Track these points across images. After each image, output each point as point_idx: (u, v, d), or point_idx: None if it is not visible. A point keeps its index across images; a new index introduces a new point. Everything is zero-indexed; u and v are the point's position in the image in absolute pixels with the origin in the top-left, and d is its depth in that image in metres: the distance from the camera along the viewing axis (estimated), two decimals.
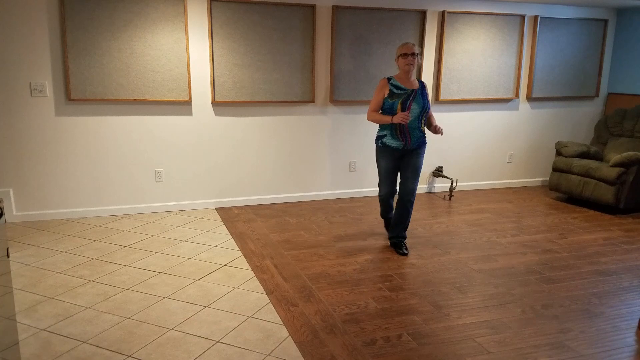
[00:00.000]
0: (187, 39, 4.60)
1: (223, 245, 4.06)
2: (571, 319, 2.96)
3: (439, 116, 5.65)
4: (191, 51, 4.69)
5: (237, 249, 3.99)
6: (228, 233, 4.35)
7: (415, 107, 3.75)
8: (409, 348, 2.63)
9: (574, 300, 3.19)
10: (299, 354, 2.55)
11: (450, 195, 5.60)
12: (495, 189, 6.10)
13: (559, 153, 5.67)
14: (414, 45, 3.75)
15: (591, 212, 5.18)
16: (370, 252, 3.97)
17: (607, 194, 5.04)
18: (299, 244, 4.11)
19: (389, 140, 3.83)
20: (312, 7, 4.90)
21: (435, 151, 5.74)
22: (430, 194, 5.80)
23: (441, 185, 5.91)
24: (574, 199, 5.65)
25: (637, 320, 2.94)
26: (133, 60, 4.51)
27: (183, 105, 4.78)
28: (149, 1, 4.45)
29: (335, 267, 3.66)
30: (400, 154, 3.87)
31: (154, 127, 4.75)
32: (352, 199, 5.46)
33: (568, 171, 5.43)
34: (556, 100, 6.13)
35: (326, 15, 5.01)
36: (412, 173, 3.86)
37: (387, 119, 3.74)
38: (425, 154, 3.99)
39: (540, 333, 2.79)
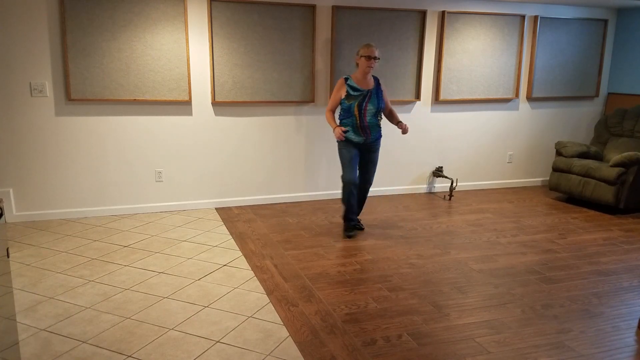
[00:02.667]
0: (187, 39, 4.60)
1: (223, 245, 4.06)
2: (571, 319, 2.96)
3: (439, 116, 5.66)
4: (191, 51, 4.69)
5: (237, 249, 3.99)
6: (228, 233, 4.35)
7: (370, 107, 4.07)
8: (409, 348, 2.63)
9: (574, 300, 3.19)
10: (299, 354, 2.55)
11: (450, 195, 5.60)
12: (495, 189, 6.10)
13: (559, 153, 5.67)
14: (376, 48, 4.03)
15: (591, 212, 5.18)
16: (370, 252, 3.97)
17: (607, 194, 5.04)
18: (299, 244, 4.11)
19: (351, 135, 4.10)
20: (312, 7, 4.90)
21: (435, 151, 5.74)
22: (430, 194, 5.80)
23: (441, 185, 5.91)
24: (574, 199, 5.65)
25: (637, 320, 2.94)
26: (133, 60, 4.51)
27: (183, 105, 4.78)
28: (149, 1, 4.45)
29: (335, 267, 3.66)
30: (360, 147, 4.18)
31: (154, 127, 4.75)
32: None
33: (568, 171, 5.43)
34: (556, 100, 6.13)
35: (326, 15, 5.01)
36: (372, 167, 4.29)
37: (332, 126, 4.11)
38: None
39: (540, 333, 2.79)
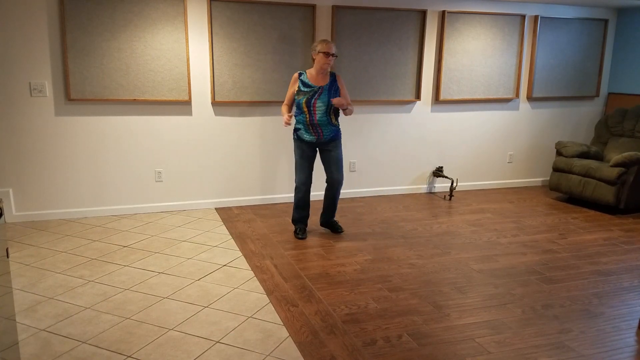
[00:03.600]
0: (187, 39, 4.59)
1: (223, 246, 4.05)
2: (571, 319, 2.95)
3: (439, 116, 5.65)
4: (191, 51, 4.68)
5: (237, 249, 3.99)
6: (228, 233, 4.34)
7: (320, 105, 3.96)
8: (409, 348, 2.62)
9: (574, 301, 3.19)
10: (299, 354, 2.55)
11: (451, 195, 5.60)
12: (496, 189, 6.10)
13: (559, 153, 5.66)
14: (334, 45, 3.94)
15: (591, 212, 5.18)
16: (370, 252, 3.96)
17: (607, 194, 5.04)
18: (299, 244, 4.11)
19: (302, 134, 4.05)
20: (312, 7, 4.90)
21: (435, 151, 5.74)
22: (430, 194, 5.80)
23: (441, 185, 5.90)
24: (574, 199, 5.65)
25: (637, 321, 2.94)
26: (133, 60, 4.51)
27: (183, 105, 4.78)
28: (149, 1, 4.45)
29: (335, 267, 3.66)
30: (315, 147, 4.11)
31: (154, 127, 4.74)
32: (352, 199, 5.46)
33: (568, 171, 5.42)
34: (556, 100, 6.13)
35: (326, 15, 5.00)
36: (334, 165, 4.11)
37: (284, 118, 3.96)
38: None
39: (540, 333, 2.79)
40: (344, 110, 3.99)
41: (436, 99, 5.56)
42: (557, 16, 5.81)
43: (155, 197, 4.88)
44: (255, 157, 5.12)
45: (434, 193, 5.83)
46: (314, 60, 3.98)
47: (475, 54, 5.56)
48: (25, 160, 4.45)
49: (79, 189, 4.65)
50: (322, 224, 4.43)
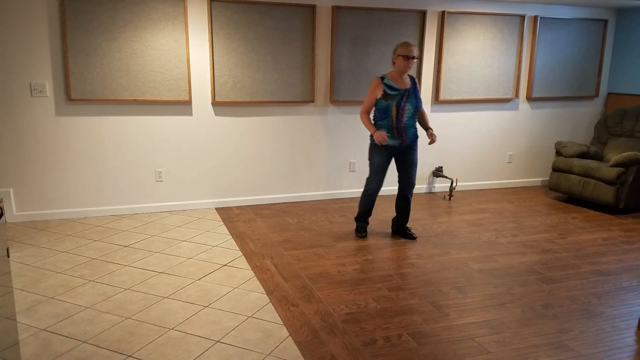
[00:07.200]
0: (187, 39, 4.60)
1: (223, 245, 4.06)
2: (571, 318, 2.96)
3: (439, 116, 5.66)
4: (191, 51, 4.69)
5: (237, 249, 4.00)
6: (228, 233, 4.35)
7: (409, 107, 3.93)
8: (409, 348, 2.63)
9: (573, 300, 3.19)
10: (299, 353, 2.56)
11: (450, 195, 5.61)
12: (495, 189, 6.10)
13: (558, 153, 5.67)
14: (415, 47, 3.89)
15: (591, 212, 5.19)
16: (370, 252, 3.97)
17: (606, 194, 5.05)
18: (299, 244, 4.11)
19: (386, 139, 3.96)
20: (312, 7, 4.90)
21: (435, 151, 5.74)
22: (430, 193, 5.80)
23: (441, 185, 5.91)
24: (573, 199, 5.65)
25: (636, 320, 2.95)
26: (133, 60, 4.51)
27: (183, 105, 4.79)
28: (149, 1, 4.45)
29: (335, 267, 3.67)
30: (395, 151, 4.04)
31: (154, 127, 4.75)
32: (352, 199, 5.47)
33: (568, 171, 5.43)
34: (556, 100, 6.13)
35: (326, 15, 5.01)
36: (411, 168, 4.10)
37: (371, 130, 3.95)
38: (420, 150, 4.18)
39: (540, 333, 2.80)
40: (431, 139, 4.00)
41: (436, 99, 5.56)
42: (557, 16, 5.82)
43: (156, 197, 4.89)
44: (256, 157, 5.12)
45: (433, 193, 5.84)
46: (393, 63, 3.94)
47: (475, 54, 5.57)
48: (25, 160, 4.46)
49: (80, 188, 4.66)
50: (395, 232, 4.37)
